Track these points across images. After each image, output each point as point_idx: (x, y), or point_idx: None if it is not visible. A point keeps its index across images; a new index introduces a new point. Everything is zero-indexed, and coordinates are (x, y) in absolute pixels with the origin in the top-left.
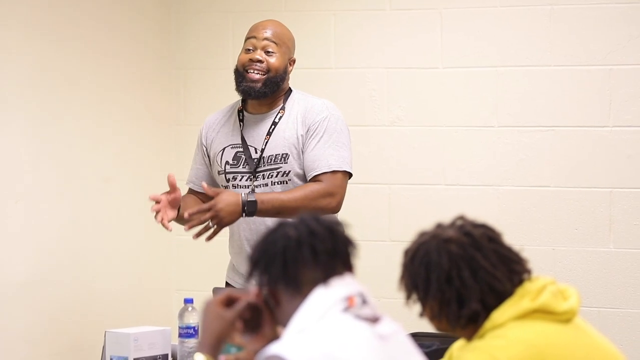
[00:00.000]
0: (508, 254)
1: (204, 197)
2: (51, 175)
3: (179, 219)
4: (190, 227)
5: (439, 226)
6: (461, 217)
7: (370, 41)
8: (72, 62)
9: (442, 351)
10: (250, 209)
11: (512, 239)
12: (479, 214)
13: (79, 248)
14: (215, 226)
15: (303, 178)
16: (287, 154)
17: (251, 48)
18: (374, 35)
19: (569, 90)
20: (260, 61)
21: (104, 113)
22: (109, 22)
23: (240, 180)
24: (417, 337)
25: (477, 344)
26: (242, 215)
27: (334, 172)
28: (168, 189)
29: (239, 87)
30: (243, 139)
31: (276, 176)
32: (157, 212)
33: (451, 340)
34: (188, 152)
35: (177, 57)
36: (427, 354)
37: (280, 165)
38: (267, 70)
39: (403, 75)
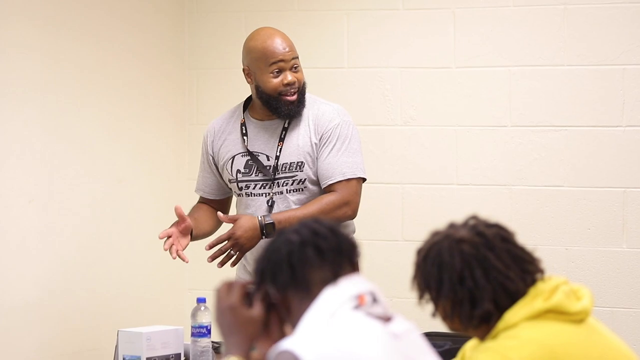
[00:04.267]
0: (521, 253)
1: (216, 205)
2: (65, 175)
3: (194, 238)
4: (213, 259)
5: (452, 226)
6: (474, 217)
7: (383, 41)
8: (86, 61)
9: (454, 351)
10: (269, 231)
11: (524, 238)
12: (491, 214)
13: (92, 247)
14: (237, 253)
15: (317, 184)
16: (302, 162)
17: (279, 70)
18: (386, 34)
19: (582, 89)
20: (293, 83)
21: (117, 113)
22: (123, 22)
23: (254, 188)
24: (429, 336)
25: (490, 344)
26: (262, 238)
27: (348, 180)
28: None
29: (279, 112)
30: (249, 150)
31: (292, 184)
32: (171, 246)
33: (464, 340)
34: (201, 151)
35: (190, 57)
36: (439, 353)
37: (296, 173)
38: (299, 87)
39: (416, 75)
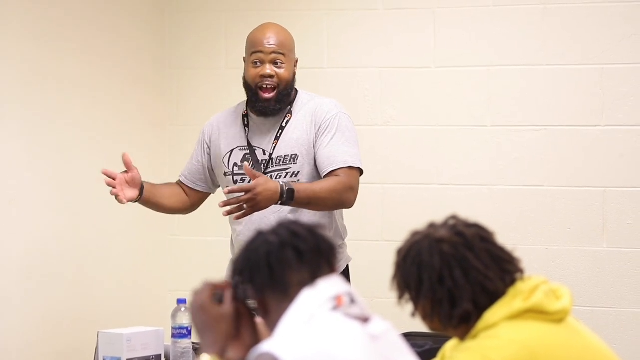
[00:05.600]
0: (500, 253)
1: (189, 191)
2: (45, 176)
3: (149, 204)
4: (225, 205)
5: (432, 226)
6: (453, 217)
7: (363, 41)
8: (66, 62)
9: (435, 351)
10: (288, 196)
11: (505, 238)
12: (472, 214)
13: (72, 249)
14: (249, 209)
15: (311, 177)
16: (296, 154)
17: (258, 62)
18: (366, 34)
19: (562, 89)
20: (271, 76)
21: (98, 113)
22: (102, 23)
23: (250, 182)
24: (410, 336)
25: (470, 344)
26: (278, 203)
27: (350, 167)
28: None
29: (254, 107)
30: (250, 141)
31: (285, 177)
32: (112, 187)
33: (444, 340)
34: (181, 151)
35: (170, 57)
36: (420, 353)
37: (290, 166)
38: (278, 84)
39: (396, 75)
